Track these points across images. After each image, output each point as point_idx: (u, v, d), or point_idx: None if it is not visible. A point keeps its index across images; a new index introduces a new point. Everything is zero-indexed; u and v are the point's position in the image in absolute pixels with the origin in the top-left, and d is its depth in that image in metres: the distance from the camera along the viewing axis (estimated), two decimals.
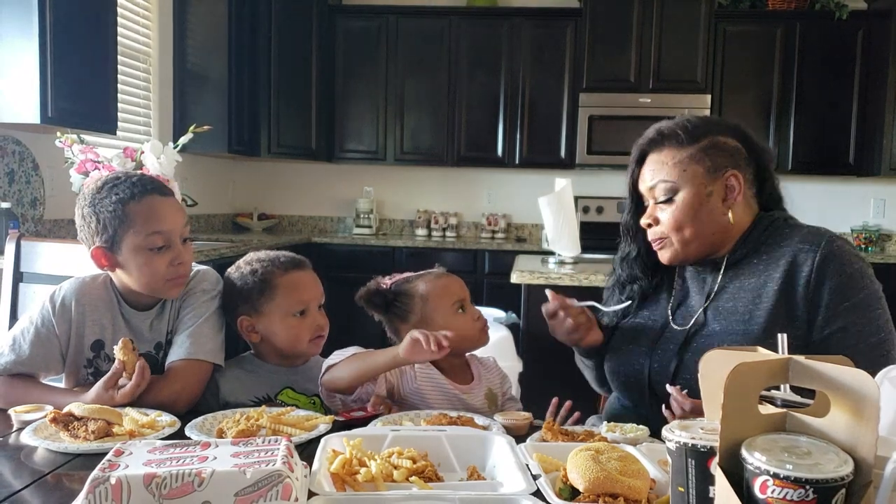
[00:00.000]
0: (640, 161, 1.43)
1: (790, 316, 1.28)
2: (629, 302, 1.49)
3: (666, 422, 1.31)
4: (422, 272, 1.56)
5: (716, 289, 1.38)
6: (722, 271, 1.38)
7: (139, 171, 2.04)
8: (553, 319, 1.45)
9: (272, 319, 1.50)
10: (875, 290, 1.29)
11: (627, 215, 1.49)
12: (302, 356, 1.56)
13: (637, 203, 1.46)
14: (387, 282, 1.56)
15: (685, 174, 1.36)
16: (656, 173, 1.38)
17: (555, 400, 1.42)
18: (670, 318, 1.44)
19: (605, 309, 1.51)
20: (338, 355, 1.41)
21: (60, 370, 1.51)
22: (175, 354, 1.46)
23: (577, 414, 1.43)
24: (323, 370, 1.41)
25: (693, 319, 1.39)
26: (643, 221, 1.41)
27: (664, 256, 1.41)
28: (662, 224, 1.38)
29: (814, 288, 1.27)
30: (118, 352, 1.36)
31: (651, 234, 1.41)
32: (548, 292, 1.45)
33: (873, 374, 0.67)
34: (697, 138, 1.37)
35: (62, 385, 1.52)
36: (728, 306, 1.35)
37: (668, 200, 1.37)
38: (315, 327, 1.53)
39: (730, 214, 1.36)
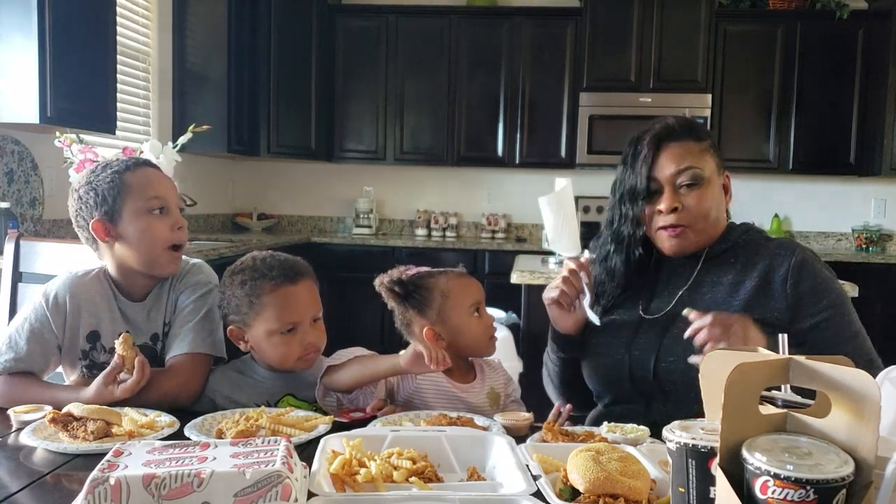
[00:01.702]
0: (656, 151, 1.42)
1: (766, 307, 1.36)
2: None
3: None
4: (443, 269, 1.55)
5: (693, 280, 1.45)
6: (700, 265, 1.45)
7: None
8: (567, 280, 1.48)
9: (259, 335, 1.45)
10: (843, 294, 1.41)
11: (639, 206, 1.43)
12: (291, 371, 1.50)
13: (649, 195, 1.42)
14: (407, 272, 1.55)
15: (708, 164, 1.43)
16: (683, 159, 1.40)
17: (558, 403, 1.42)
18: (642, 311, 1.48)
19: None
20: (340, 356, 1.41)
21: (59, 364, 1.51)
22: (177, 349, 1.47)
23: None
24: (323, 370, 1.40)
25: (671, 306, 1.44)
26: (665, 206, 1.39)
27: (674, 244, 1.42)
28: (687, 209, 1.39)
29: (792, 285, 1.37)
30: (118, 346, 1.36)
31: (672, 219, 1.40)
32: (582, 259, 1.49)
33: (856, 364, 0.67)
34: (704, 137, 1.46)
35: (64, 382, 1.52)
36: (706, 297, 1.41)
37: (695, 185, 1.40)
38: (305, 345, 1.46)
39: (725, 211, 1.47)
